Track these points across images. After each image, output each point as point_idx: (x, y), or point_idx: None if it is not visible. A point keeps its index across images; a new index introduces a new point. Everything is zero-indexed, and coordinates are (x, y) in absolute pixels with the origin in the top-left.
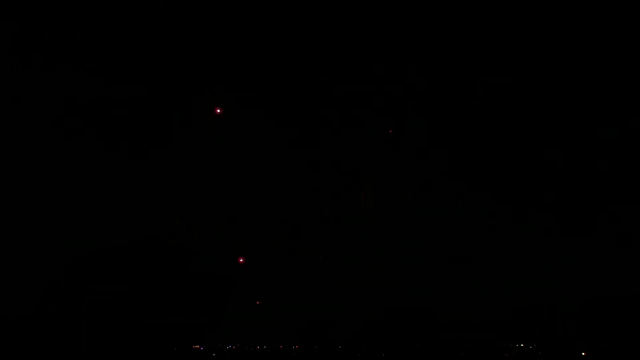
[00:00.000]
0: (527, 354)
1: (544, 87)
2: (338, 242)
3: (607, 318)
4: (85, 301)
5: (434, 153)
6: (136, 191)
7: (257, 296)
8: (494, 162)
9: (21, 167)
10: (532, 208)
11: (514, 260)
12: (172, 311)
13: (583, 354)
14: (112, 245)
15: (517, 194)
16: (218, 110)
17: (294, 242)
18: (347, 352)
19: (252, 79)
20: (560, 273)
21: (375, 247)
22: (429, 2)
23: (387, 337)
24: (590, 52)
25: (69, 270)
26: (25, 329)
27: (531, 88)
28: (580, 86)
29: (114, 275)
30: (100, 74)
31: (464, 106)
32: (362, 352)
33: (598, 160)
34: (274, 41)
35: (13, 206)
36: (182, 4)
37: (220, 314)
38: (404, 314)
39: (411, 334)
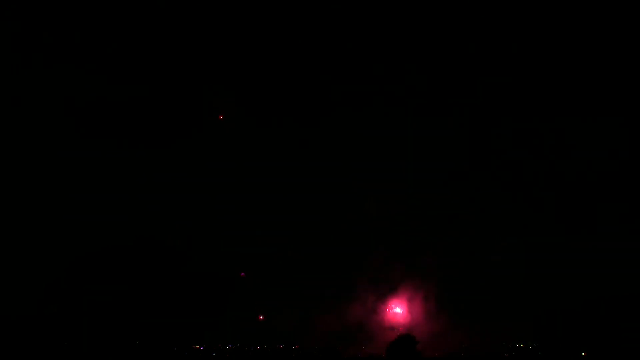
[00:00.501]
0: (527, 354)
1: (543, 87)
2: (338, 243)
3: (607, 318)
4: (85, 301)
5: (434, 153)
6: (136, 191)
7: (257, 296)
8: (494, 162)
9: (21, 167)
10: (532, 208)
11: (514, 261)
12: (172, 311)
13: (583, 354)
14: (112, 245)
15: (517, 194)
16: (220, 117)
17: (296, 244)
18: (347, 352)
19: (252, 79)
20: (560, 273)
21: (376, 248)
22: (429, 2)
23: (387, 337)
24: (589, 52)
25: (69, 270)
26: (25, 329)
27: (531, 88)
28: (580, 86)
29: (114, 275)
30: (100, 74)
31: (464, 106)
32: (362, 352)
33: (598, 160)
34: (274, 41)
35: (13, 206)
36: (182, 5)
37: (220, 314)
38: (404, 314)
39: (411, 334)
